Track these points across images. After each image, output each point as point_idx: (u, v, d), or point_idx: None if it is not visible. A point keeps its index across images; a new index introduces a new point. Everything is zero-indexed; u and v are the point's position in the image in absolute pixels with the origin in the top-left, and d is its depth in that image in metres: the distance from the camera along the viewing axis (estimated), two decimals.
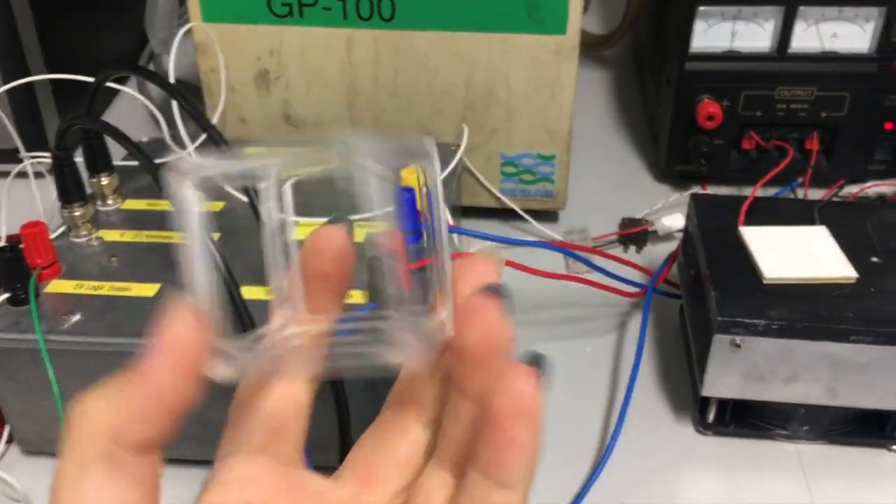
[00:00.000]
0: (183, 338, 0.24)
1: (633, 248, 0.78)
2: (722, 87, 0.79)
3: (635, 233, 0.78)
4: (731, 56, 0.78)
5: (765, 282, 0.55)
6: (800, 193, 0.82)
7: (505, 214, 0.80)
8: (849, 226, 0.61)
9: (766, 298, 0.54)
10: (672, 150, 0.83)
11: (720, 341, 0.53)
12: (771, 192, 0.84)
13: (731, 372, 0.54)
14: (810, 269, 0.55)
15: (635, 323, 0.69)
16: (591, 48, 1.12)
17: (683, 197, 0.83)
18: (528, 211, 0.80)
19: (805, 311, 0.53)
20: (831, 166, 0.82)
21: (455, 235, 0.64)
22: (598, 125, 0.98)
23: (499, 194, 0.78)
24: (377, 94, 0.74)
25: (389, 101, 0.74)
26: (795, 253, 0.57)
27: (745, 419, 0.59)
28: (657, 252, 0.77)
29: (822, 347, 0.53)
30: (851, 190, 0.83)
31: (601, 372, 0.65)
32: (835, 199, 0.80)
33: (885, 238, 0.59)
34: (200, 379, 0.25)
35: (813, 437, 0.58)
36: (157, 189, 0.54)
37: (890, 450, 0.58)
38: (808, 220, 0.61)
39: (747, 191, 0.84)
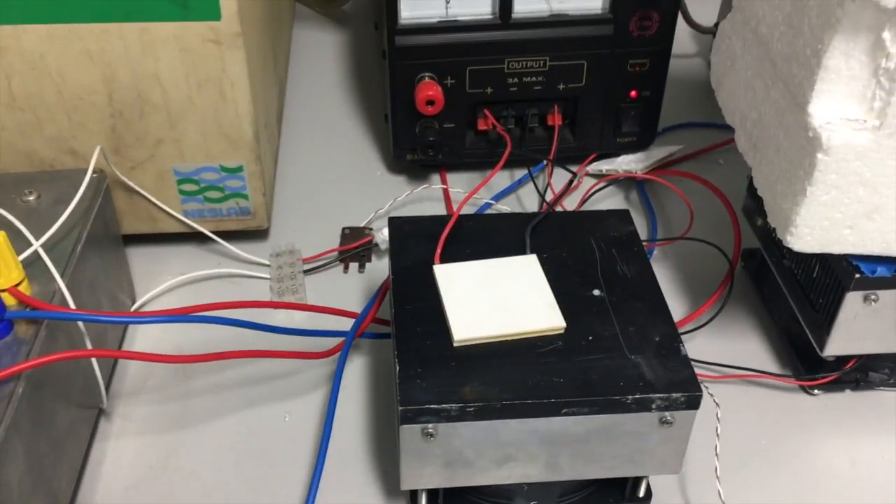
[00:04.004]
0: None
1: (356, 267, 0.65)
2: (443, 63, 0.66)
3: (356, 248, 0.65)
4: (448, 26, 0.65)
5: (455, 345, 0.44)
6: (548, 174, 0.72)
7: (202, 238, 0.65)
8: (570, 244, 0.50)
9: (458, 370, 0.42)
10: (399, 139, 0.70)
11: (410, 432, 0.42)
12: (518, 175, 0.73)
13: (430, 462, 0.43)
14: (509, 323, 0.44)
15: (354, 370, 0.57)
16: (328, 4, 0.96)
17: (419, 192, 0.71)
18: (230, 232, 0.65)
19: (505, 383, 0.42)
20: (578, 141, 0.72)
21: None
22: (334, 104, 0.83)
23: (182, 217, 0.63)
24: None
25: (10, 116, 0.56)
26: (495, 298, 0.46)
27: (466, 499, 0.48)
28: (383, 269, 0.65)
29: (531, 424, 0.42)
30: (602, 168, 0.73)
31: (302, 445, 0.52)
32: (559, 207, 0.70)
33: (610, 259, 0.49)
34: None
35: None
36: None
37: None
38: (522, 243, 0.50)
39: (494, 177, 0.73)
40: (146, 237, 0.65)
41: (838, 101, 0.43)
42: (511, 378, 0.42)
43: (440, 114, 0.68)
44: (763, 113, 0.51)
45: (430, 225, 0.51)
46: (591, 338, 0.44)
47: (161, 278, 0.63)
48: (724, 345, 0.58)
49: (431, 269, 0.48)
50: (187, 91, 0.57)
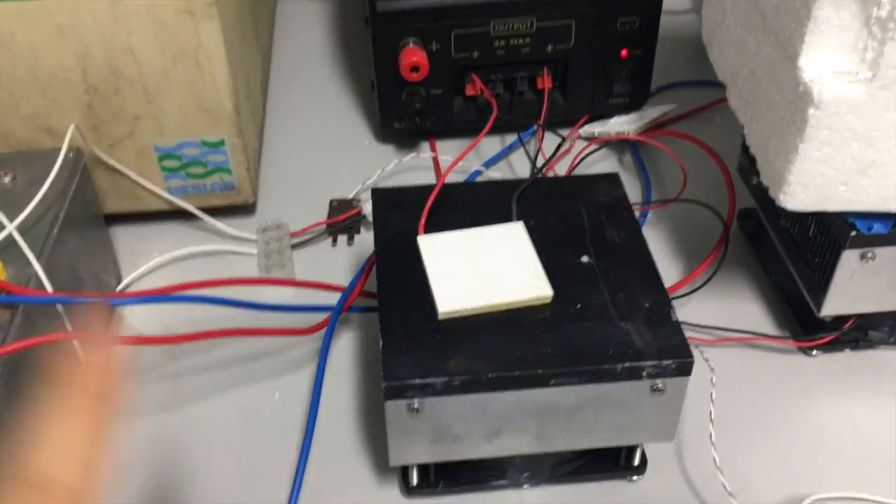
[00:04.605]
0: None
1: (344, 239, 0.64)
2: (427, 28, 0.64)
3: (343, 221, 0.64)
4: None
5: (440, 318, 0.42)
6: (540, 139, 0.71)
7: (187, 216, 0.64)
8: (558, 210, 0.49)
9: (443, 343, 0.41)
10: (385, 107, 0.69)
11: (395, 407, 0.41)
12: (509, 140, 0.72)
13: (417, 438, 0.42)
14: (495, 294, 0.43)
15: (344, 344, 0.56)
16: None
17: (407, 161, 0.70)
18: (217, 208, 0.64)
19: (491, 355, 0.41)
20: (569, 104, 0.71)
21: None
22: (321, 75, 0.81)
23: (165, 194, 0.62)
24: None
25: None
26: (481, 269, 0.45)
27: (459, 473, 0.47)
28: (371, 241, 0.64)
29: (520, 397, 0.41)
30: (595, 130, 0.71)
31: (293, 422, 0.52)
32: (544, 174, 0.68)
33: (599, 225, 0.48)
34: None
35: (537, 481, 0.47)
36: None
37: (629, 480, 0.48)
38: (508, 210, 0.49)
39: (484, 143, 0.72)
40: (131, 216, 0.64)
41: (829, 52, 0.42)
42: (497, 350, 0.41)
43: (426, 80, 0.66)
44: (754, 68, 0.49)
45: (415, 194, 0.50)
46: (579, 306, 0.43)
47: (147, 257, 0.62)
48: (721, 308, 0.57)
49: (416, 241, 0.47)
50: (162, 65, 0.55)
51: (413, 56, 0.64)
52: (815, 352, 0.54)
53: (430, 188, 0.50)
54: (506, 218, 0.49)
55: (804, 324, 0.54)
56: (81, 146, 0.56)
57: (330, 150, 0.72)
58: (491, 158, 0.70)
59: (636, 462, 0.47)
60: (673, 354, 0.41)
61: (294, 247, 0.63)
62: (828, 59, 0.42)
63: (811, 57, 0.42)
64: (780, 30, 0.45)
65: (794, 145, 0.44)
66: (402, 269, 0.46)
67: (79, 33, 0.53)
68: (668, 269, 0.60)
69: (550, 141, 0.71)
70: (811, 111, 0.42)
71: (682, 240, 0.63)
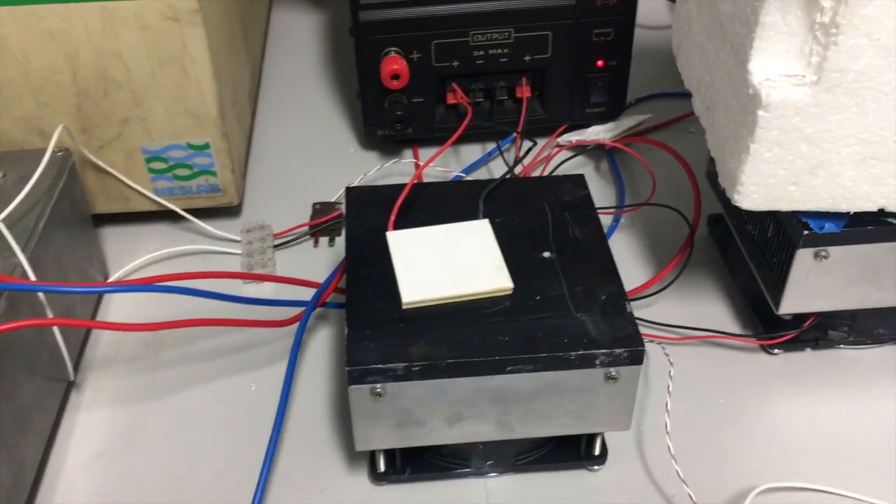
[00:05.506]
0: None
1: (326, 241, 0.66)
2: (408, 38, 0.67)
3: (325, 223, 0.66)
4: (412, 0, 0.65)
5: (403, 307, 0.44)
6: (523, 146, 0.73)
7: (174, 216, 0.66)
8: (524, 209, 0.51)
9: (406, 331, 0.43)
10: (369, 114, 0.71)
11: (358, 392, 0.43)
12: (489, 147, 0.74)
13: (380, 423, 0.44)
14: (458, 285, 0.45)
15: (322, 339, 0.58)
16: None
17: (389, 167, 0.72)
18: (204, 209, 0.66)
19: (452, 342, 0.43)
20: (547, 113, 0.73)
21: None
22: (312, 83, 0.84)
23: (152, 195, 0.64)
24: None
25: None
26: (446, 262, 0.47)
27: (424, 460, 0.49)
28: None
29: (478, 383, 0.43)
30: (572, 139, 0.74)
31: (268, 412, 0.53)
32: (514, 175, 0.70)
33: (562, 222, 0.50)
34: None
35: (500, 469, 0.49)
36: None
37: (590, 470, 0.49)
38: (476, 209, 0.51)
39: (465, 150, 0.74)
40: (120, 216, 0.66)
41: (777, 57, 0.44)
42: (457, 338, 0.43)
43: (408, 88, 0.68)
44: (715, 75, 0.51)
45: (388, 193, 0.52)
46: (538, 298, 0.45)
47: (134, 256, 0.64)
48: (688, 308, 0.59)
49: (385, 236, 0.49)
50: (149, 69, 0.58)
51: (393, 65, 0.66)
52: (776, 350, 0.56)
53: (402, 187, 0.52)
54: (474, 216, 0.51)
55: (767, 324, 0.56)
56: (71, 147, 0.58)
57: (316, 156, 0.75)
58: (471, 165, 0.72)
59: (597, 452, 0.49)
60: (625, 343, 0.42)
61: (277, 247, 0.65)
62: (776, 63, 0.44)
63: (760, 61, 0.44)
64: (734, 36, 0.47)
65: (745, 146, 0.45)
66: (371, 263, 0.47)
67: (69, 38, 0.56)
68: (639, 271, 0.62)
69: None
70: (760, 113, 0.44)
71: (654, 243, 0.64)
